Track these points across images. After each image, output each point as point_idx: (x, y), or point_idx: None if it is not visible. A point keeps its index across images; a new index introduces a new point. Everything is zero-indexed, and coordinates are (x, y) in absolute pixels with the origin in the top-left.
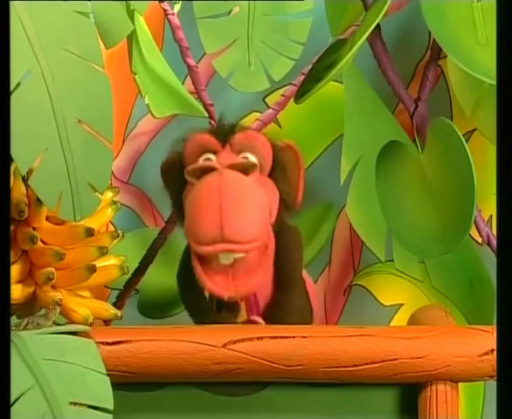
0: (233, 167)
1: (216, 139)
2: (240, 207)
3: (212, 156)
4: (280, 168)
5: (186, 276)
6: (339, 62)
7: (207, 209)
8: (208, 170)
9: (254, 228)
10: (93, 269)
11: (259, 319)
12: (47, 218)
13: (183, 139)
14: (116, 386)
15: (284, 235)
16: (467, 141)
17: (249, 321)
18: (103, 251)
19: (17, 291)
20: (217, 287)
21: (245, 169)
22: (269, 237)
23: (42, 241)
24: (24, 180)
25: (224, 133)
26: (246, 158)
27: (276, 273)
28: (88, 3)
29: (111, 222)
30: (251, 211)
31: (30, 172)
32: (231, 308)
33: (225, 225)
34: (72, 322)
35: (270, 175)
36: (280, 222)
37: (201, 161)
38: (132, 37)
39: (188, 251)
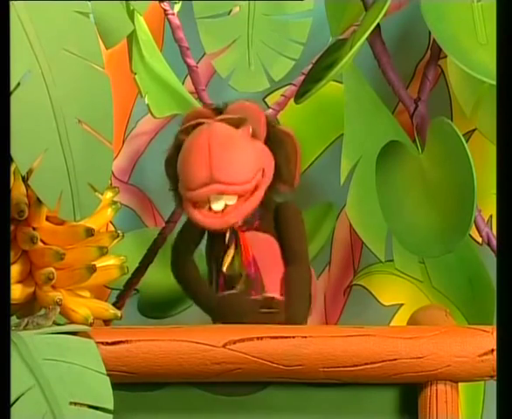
0: (222, 120)
1: (212, 111)
2: (229, 151)
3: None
4: (276, 143)
5: (183, 265)
6: (339, 62)
7: (197, 154)
8: (199, 125)
9: (244, 170)
10: (93, 269)
11: (275, 294)
12: (47, 218)
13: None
14: (116, 386)
15: (283, 210)
16: (467, 141)
17: (265, 298)
18: (103, 251)
19: (17, 292)
20: (209, 221)
21: (235, 123)
22: (259, 184)
23: (42, 241)
24: (24, 180)
25: (221, 109)
26: None
27: (282, 248)
28: (88, 3)
29: (111, 222)
30: (239, 155)
31: (30, 172)
32: (232, 282)
33: (215, 167)
34: (72, 322)
35: (266, 144)
36: (276, 196)
37: (193, 122)
38: (132, 37)
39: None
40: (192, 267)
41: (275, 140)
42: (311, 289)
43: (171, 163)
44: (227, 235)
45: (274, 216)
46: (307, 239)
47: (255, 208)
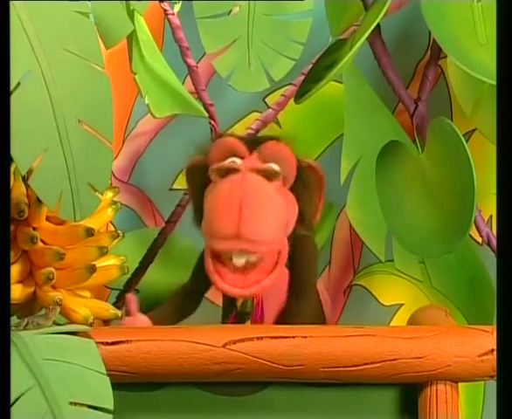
0: (257, 171)
1: (244, 145)
2: (259, 209)
3: (238, 160)
4: (302, 186)
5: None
6: (339, 62)
7: (227, 205)
8: (232, 171)
9: (270, 231)
10: (93, 269)
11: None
12: (47, 218)
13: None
14: (116, 386)
15: (299, 243)
16: (467, 141)
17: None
18: (103, 251)
19: (17, 292)
20: (225, 284)
21: (269, 176)
22: (283, 246)
23: (42, 241)
24: (24, 180)
25: (253, 142)
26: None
27: (291, 281)
28: (88, 3)
29: (111, 222)
30: (269, 215)
31: (30, 172)
32: (242, 318)
33: (243, 224)
34: (72, 322)
35: (292, 190)
36: (295, 233)
37: (226, 163)
38: (132, 37)
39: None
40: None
41: (302, 185)
42: (322, 314)
43: (192, 178)
44: None
45: (291, 246)
46: (317, 273)
47: (275, 280)
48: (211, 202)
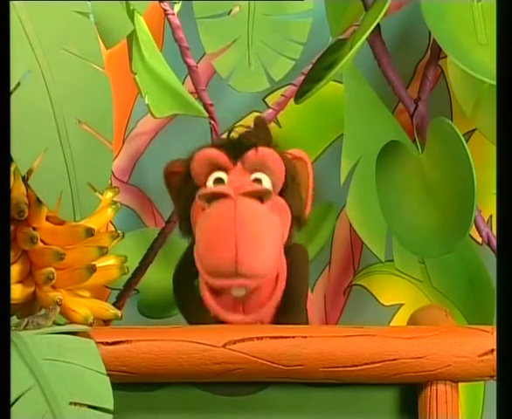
0: (248, 194)
1: (227, 155)
2: (256, 241)
3: (223, 175)
4: (291, 181)
5: (184, 280)
6: (339, 62)
7: (221, 240)
8: (221, 196)
9: (269, 262)
10: (93, 269)
11: None
12: (47, 218)
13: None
14: (116, 386)
15: (291, 254)
16: (467, 141)
17: None
18: (103, 251)
19: (17, 292)
20: (224, 312)
21: (261, 197)
22: (281, 269)
23: (42, 241)
24: (24, 180)
25: (234, 149)
26: (259, 180)
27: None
28: (88, 3)
29: (111, 222)
30: (266, 245)
31: (30, 172)
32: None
33: (241, 261)
34: (72, 322)
35: (282, 191)
36: (289, 241)
37: (212, 183)
38: (132, 37)
39: (187, 257)
40: (193, 296)
41: (291, 182)
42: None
43: (173, 184)
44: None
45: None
46: (308, 281)
47: (274, 304)
48: (204, 233)
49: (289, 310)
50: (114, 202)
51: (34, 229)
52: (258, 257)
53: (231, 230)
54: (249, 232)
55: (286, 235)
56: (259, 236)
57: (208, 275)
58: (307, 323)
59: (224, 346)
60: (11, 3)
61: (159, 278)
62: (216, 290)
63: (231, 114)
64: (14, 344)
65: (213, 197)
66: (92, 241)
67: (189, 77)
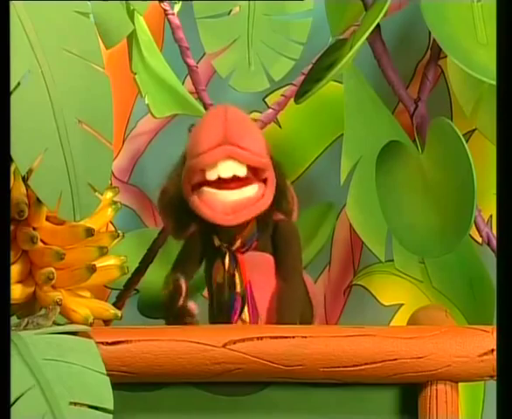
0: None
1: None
2: (246, 126)
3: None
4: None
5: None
6: (339, 62)
7: (210, 125)
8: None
9: (259, 143)
10: (93, 269)
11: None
12: (47, 218)
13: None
14: (116, 386)
15: (281, 229)
16: (467, 141)
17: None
18: (103, 251)
19: (17, 291)
20: (214, 213)
21: None
22: (269, 170)
23: (42, 241)
24: (24, 180)
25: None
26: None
27: (277, 267)
28: (88, 3)
29: (111, 222)
30: (254, 128)
31: (30, 172)
32: (224, 309)
33: (229, 129)
34: (72, 322)
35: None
36: (274, 217)
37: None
38: (132, 37)
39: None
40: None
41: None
42: (309, 300)
43: (167, 206)
44: (227, 258)
45: (272, 233)
46: (301, 256)
47: (263, 213)
48: (193, 132)
49: (287, 281)
50: (114, 202)
51: (34, 229)
52: (245, 132)
53: (220, 117)
54: (238, 121)
55: (272, 188)
56: (249, 126)
57: (195, 156)
58: (309, 302)
59: (224, 346)
60: (11, 3)
61: (159, 278)
62: (205, 195)
63: None
64: (14, 344)
65: None
66: (92, 241)
67: (189, 77)
